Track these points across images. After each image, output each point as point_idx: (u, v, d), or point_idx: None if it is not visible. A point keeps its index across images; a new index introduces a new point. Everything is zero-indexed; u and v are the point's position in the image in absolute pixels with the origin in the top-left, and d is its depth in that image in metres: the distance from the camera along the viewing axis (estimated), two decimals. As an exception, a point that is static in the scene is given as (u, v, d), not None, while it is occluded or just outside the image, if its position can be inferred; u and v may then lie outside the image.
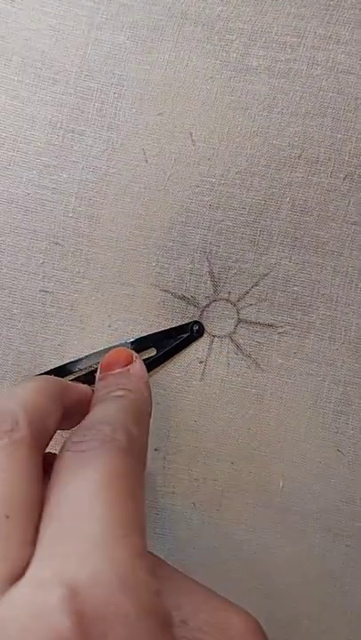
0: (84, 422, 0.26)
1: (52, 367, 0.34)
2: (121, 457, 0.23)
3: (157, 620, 0.20)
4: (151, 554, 0.26)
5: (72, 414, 0.28)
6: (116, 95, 0.32)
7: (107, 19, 0.32)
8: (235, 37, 0.33)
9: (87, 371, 0.33)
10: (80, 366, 0.33)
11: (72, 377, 0.33)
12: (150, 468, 0.30)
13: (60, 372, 0.33)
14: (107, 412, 0.27)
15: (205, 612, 0.24)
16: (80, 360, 0.33)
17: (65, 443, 0.24)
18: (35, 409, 0.25)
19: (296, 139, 0.33)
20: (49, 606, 0.19)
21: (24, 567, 0.21)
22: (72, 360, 0.33)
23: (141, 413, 0.28)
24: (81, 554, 0.20)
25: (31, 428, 0.24)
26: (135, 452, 0.24)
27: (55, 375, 0.33)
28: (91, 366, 0.33)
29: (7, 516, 0.22)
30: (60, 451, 0.24)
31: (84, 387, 0.30)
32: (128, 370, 0.30)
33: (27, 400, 0.25)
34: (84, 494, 0.22)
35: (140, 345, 0.33)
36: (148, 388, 0.29)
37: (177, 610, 0.23)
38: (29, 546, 0.22)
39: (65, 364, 0.33)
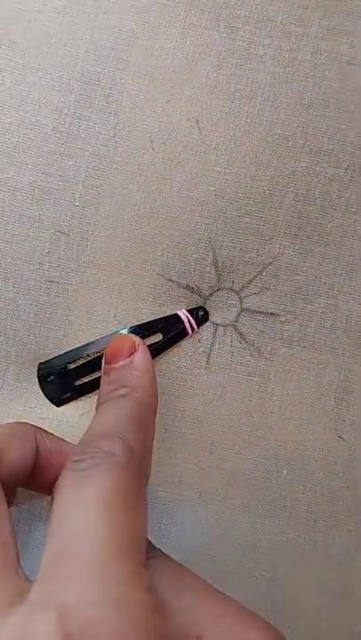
0: (85, 437, 0.26)
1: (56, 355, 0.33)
2: (119, 473, 0.23)
3: (152, 637, 0.20)
4: (177, 563, 0.26)
5: (47, 465, 0.29)
6: (122, 81, 0.32)
7: (113, 3, 0.32)
8: (241, 25, 0.32)
9: (94, 356, 0.33)
10: (87, 352, 0.33)
11: (78, 363, 0.33)
12: (156, 459, 0.30)
13: (67, 357, 0.33)
14: (106, 421, 0.27)
15: (222, 626, 0.23)
16: (86, 346, 0.33)
17: (67, 461, 0.24)
18: None
19: (300, 129, 0.33)
20: (38, 630, 0.19)
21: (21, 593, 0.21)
22: (78, 346, 0.33)
23: (143, 414, 0.27)
24: (74, 574, 0.21)
25: None
26: (135, 463, 0.24)
27: (60, 361, 0.33)
28: (97, 352, 0.33)
29: None
30: (63, 470, 0.24)
31: (59, 439, 0.30)
32: (131, 362, 0.29)
33: None
34: (80, 514, 0.22)
35: (145, 330, 0.33)
36: (153, 381, 0.29)
37: (193, 625, 0.23)
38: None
39: (71, 350, 0.33)
